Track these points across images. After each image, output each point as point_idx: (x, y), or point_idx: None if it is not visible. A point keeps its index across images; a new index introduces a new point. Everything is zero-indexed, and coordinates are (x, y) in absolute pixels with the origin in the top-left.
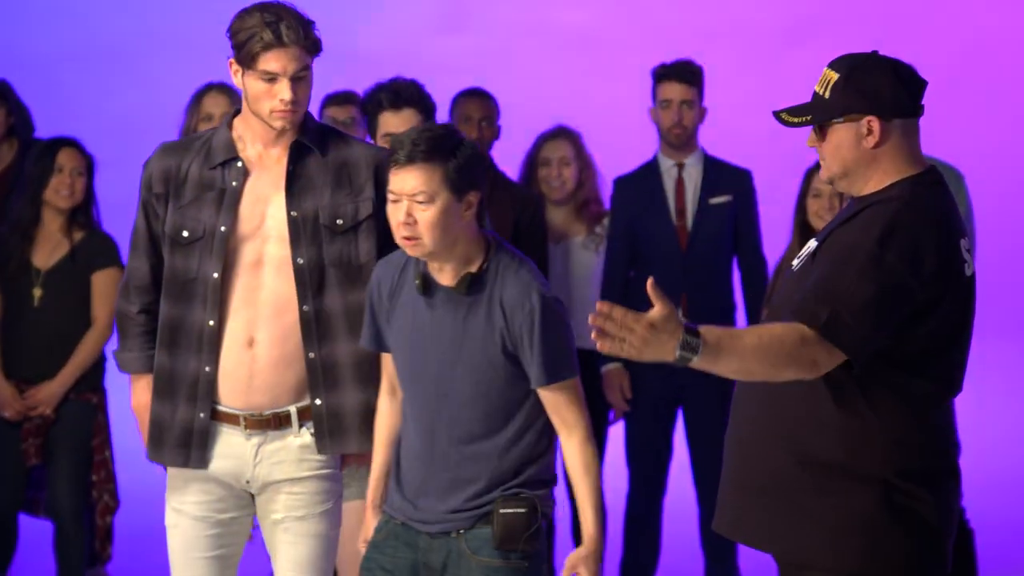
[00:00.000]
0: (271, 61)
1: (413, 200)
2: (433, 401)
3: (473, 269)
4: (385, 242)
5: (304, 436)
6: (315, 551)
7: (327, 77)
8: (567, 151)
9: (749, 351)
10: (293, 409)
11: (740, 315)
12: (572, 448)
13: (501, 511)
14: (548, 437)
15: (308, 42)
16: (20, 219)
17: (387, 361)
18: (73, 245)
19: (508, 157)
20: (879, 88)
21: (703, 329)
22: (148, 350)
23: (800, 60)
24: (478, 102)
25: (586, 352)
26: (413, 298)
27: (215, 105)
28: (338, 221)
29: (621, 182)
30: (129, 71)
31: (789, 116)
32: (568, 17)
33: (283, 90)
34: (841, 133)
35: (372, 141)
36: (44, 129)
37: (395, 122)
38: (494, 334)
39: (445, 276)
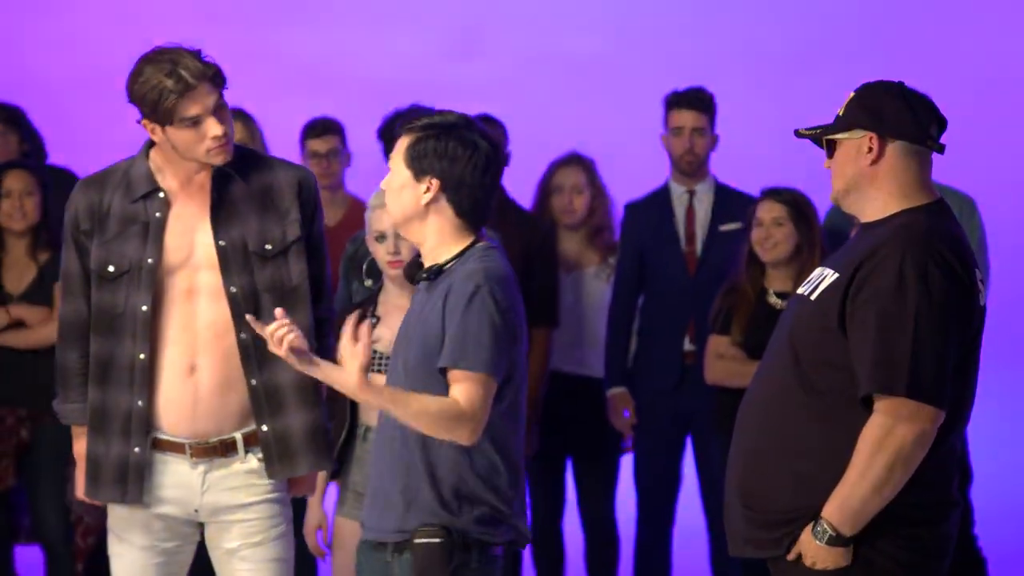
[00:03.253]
0: (189, 106)
1: None
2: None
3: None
4: (313, 260)
5: (251, 462)
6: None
7: (338, 104)
8: (579, 178)
9: (868, 482)
10: (239, 435)
11: None
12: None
13: (416, 540)
14: (491, 458)
15: (212, 73)
16: None
17: None
18: (40, 267)
19: (521, 185)
20: (882, 107)
21: (829, 518)
22: None
23: (811, 87)
24: None
25: (594, 380)
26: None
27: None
28: (267, 247)
29: (632, 208)
30: None
31: (803, 130)
32: (580, 44)
33: (212, 127)
34: (844, 149)
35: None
36: (54, 155)
37: None
38: (437, 320)
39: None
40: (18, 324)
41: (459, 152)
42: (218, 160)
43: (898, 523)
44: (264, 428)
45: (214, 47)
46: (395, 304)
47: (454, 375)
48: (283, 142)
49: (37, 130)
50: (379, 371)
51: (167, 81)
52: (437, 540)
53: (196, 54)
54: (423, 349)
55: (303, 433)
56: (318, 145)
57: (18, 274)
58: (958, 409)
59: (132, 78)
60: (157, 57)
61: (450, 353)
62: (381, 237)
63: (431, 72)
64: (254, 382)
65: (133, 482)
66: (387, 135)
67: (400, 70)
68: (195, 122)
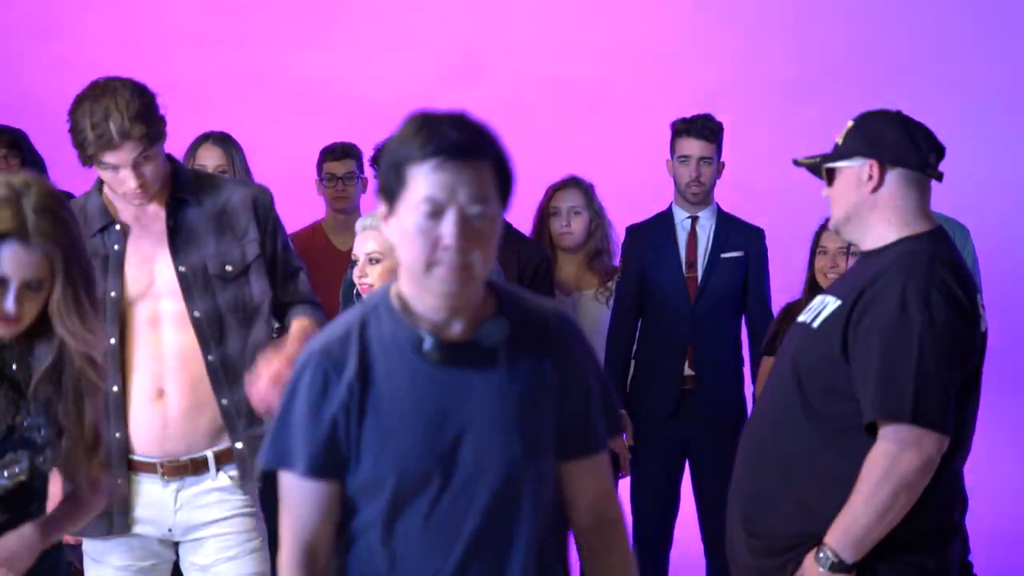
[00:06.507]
0: (109, 157)
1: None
2: (460, 506)
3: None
4: (276, 275)
5: (221, 479)
6: None
7: (339, 128)
8: (577, 200)
9: (872, 509)
10: (210, 454)
11: (748, 370)
12: (622, 553)
13: None
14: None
15: (139, 134)
16: None
17: (303, 514)
18: None
19: (520, 210)
20: (882, 134)
21: (832, 544)
22: None
23: (810, 116)
24: None
25: None
26: (404, 373)
27: (208, 157)
28: (227, 268)
29: (633, 231)
30: None
31: (802, 159)
32: (579, 70)
33: (128, 179)
34: (844, 176)
35: None
36: (56, 179)
37: None
38: (544, 384)
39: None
40: None
41: None
42: (135, 203)
43: (901, 549)
44: (239, 445)
45: (216, 71)
46: None
47: None
48: (284, 164)
49: (39, 154)
50: None
51: (90, 133)
52: None
53: (136, 103)
54: (536, 429)
55: None
56: (336, 168)
57: None
58: (960, 435)
59: (71, 108)
60: (96, 95)
61: (609, 424)
62: (354, 262)
63: (432, 97)
64: (225, 402)
65: (119, 513)
66: (379, 162)
67: (401, 94)
68: (115, 169)
